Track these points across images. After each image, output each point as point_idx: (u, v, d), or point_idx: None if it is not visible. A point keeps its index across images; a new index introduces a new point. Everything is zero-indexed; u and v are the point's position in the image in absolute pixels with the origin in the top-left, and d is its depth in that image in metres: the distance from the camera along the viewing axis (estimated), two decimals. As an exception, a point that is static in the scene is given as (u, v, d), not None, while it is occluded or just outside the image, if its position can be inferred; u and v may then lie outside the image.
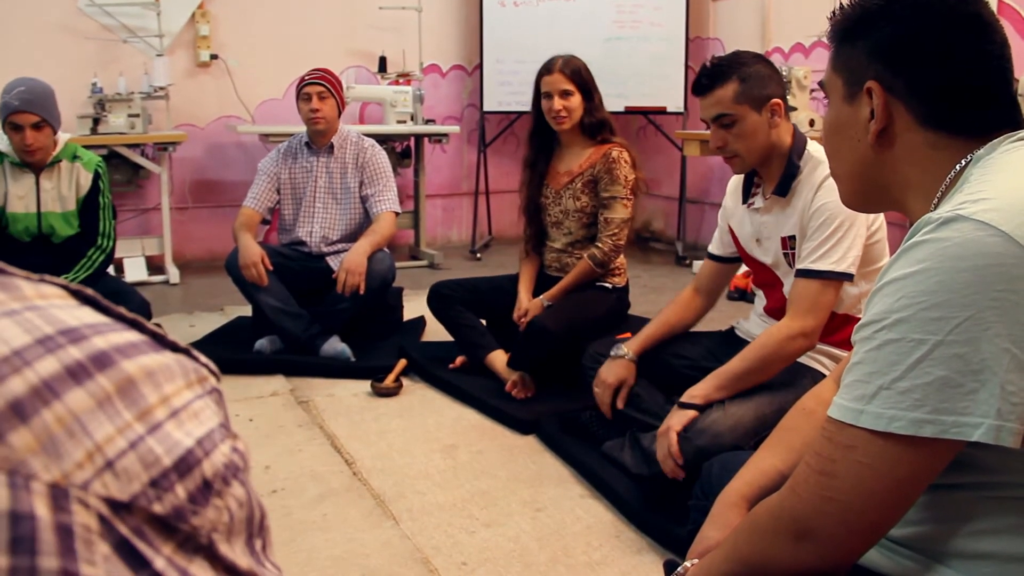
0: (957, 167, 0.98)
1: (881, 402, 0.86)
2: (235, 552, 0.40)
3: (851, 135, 1.06)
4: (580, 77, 3.10)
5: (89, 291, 0.42)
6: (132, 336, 0.40)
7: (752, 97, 2.13)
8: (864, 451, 0.87)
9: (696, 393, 2.16)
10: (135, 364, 0.38)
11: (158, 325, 0.48)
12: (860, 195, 1.12)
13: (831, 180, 2.04)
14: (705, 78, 2.17)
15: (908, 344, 0.84)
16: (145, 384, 0.38)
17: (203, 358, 0.43)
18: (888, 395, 0.85)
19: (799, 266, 2.11)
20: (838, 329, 2.16)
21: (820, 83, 1.19)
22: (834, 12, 1.09)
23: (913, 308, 0.85)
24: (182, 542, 0.37)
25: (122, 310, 0.42)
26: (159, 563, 0.36)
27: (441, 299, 3.33)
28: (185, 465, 0.37)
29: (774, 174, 2.21)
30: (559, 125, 3.11)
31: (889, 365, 0.86)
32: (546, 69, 3.13)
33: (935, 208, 0.97)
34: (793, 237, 2.17)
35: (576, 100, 3.09)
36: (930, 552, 0.97)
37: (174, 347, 0.42)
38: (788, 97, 2.24)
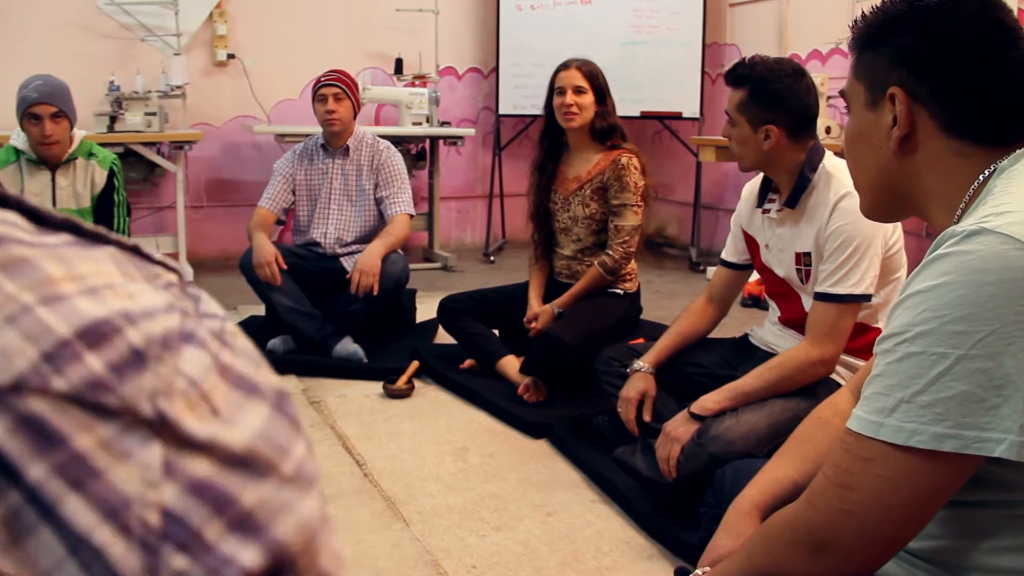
0: (980, 177, 0.97)
1: (902, 415, 0.85)
2: (207, 423, 0.31)
3: (873, 142, 1.06)
4: (595, 78, 3.11)
5: (22, 198, 0.34)
6: (52, 239, 0.32)
7: (751, 114, 2.16)
8: (883, 464, 0.87)
9: (707, 406, 2.16)
10: (35, 250, 0.31)
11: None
12: (882, 205, 1.12)
13: (847, 201, 2.03)
14: (729, 73, 2.22)
15: (930, 358, 0.84)
16: (46, 260, 0.30)
17: (159, 256, 0.35)
18: (909, 408, 0.85)
19: (817, 289, 2.10)
20: (854, 338, 2.14)
21: (841, 92, 1.18)
22: (856, 20, 1.08)
23: (936, 321, 0.84)
24: (124, 428, 0.29)
25: (55, 213, 0.34)
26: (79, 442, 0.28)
27: (450, 312, 3.34)
28: (95, 334, 0.29)
29: (786, 185, 2.21)
30: (568, 121, 3.09)
31: (911, 378, 0.85)
32: (563, 66, 3.14)
33: (958, 219, 0.96)
34: (808, 255, 2.16)
35: (588, 99, 3.08)
36: (949, 567, 0.96)
37: (120, 245, 0.34)
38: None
